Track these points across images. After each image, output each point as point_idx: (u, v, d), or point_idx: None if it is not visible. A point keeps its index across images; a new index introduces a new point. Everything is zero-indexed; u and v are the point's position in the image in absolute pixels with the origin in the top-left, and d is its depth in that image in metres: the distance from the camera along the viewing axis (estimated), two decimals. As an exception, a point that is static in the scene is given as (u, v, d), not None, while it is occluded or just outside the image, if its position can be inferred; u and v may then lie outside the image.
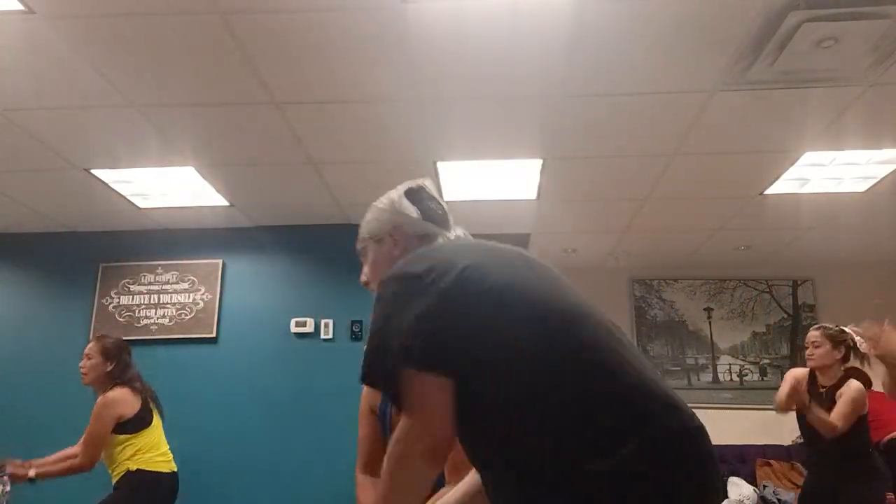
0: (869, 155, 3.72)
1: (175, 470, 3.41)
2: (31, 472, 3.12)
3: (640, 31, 2.65)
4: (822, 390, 3.39)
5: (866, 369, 3.33)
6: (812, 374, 3.44)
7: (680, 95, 3.12)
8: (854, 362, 3.35)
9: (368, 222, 1.49)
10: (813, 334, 3.39)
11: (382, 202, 1.48)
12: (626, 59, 2.84)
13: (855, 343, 3.32)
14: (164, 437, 3.42)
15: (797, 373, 3.51)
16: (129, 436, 3.21)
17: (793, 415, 3.50)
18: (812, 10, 2.48)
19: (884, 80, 2.95)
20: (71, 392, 4.49)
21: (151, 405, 3.36)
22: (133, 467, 3.19)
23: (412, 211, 1.44)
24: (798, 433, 3.80)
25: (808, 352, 3.40)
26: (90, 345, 3.32)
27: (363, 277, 1.49)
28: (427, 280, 1.15)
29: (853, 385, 3.28)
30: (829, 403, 3.30)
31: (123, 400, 3.20)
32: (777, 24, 2.57)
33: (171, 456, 3.42)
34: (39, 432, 4.29)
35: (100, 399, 3.20)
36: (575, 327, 1.11)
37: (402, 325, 1.12)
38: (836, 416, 3.22)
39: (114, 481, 3.24)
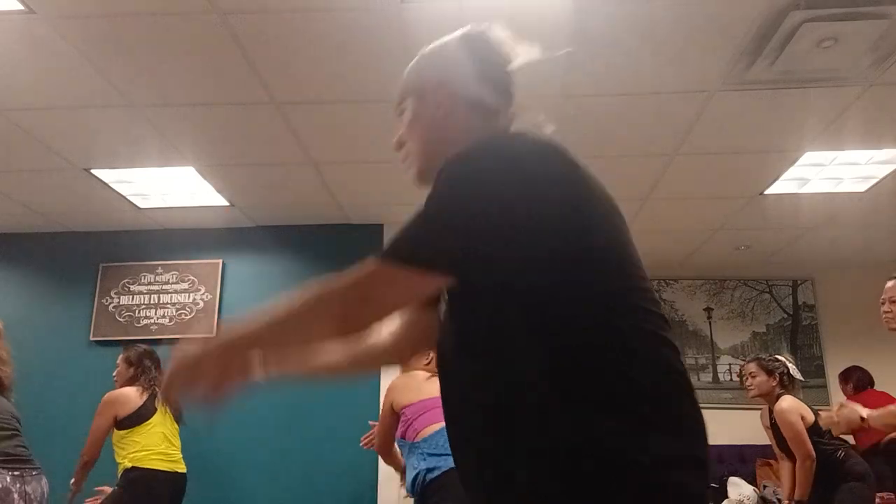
0: (869, 155, 3.73)
1: (177, 470, 3.46)
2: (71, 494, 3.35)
3: (640, 31, 2.65)
4: (773, 417, 3.52)
5: (795, 392, 3.50)
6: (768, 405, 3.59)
7: (680, 95, 3.12)
8: (790, 388, 3.50)
9: (411, 71, 1.19)
10: (749, 366, 3.57)
11: (433, 47, 1.18)
12: (626, 59, 2.84)
13: (789, 370, 3.49)
14: (168, 438, 3.49)
15: (763, 411, 3.69)
16: (126, 431, 3.36)
17: None
18: (812, 10, 2.48)
19: (884, 80, 2.95)
20: (71, 392, 4.51)
21: (159, 406, 3.47)
22: (129, 464, 3.32)
23: (466, 64, 1.13)
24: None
25: (747, 383, 3.58)
26: (119, 356, 3.65)
27: (396, 140, 1.19)
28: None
29: (780, 407, 3.40)
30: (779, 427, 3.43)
31: (122, 396, 3.41)
32: (777, 24, 2.57)
33: (176, 457, 3.49)
34: (39, 432, 4.29)
35: (102, 398, 3.43)
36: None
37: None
38: (794, 449, 3.35)
39: (117, 479, 3.37)
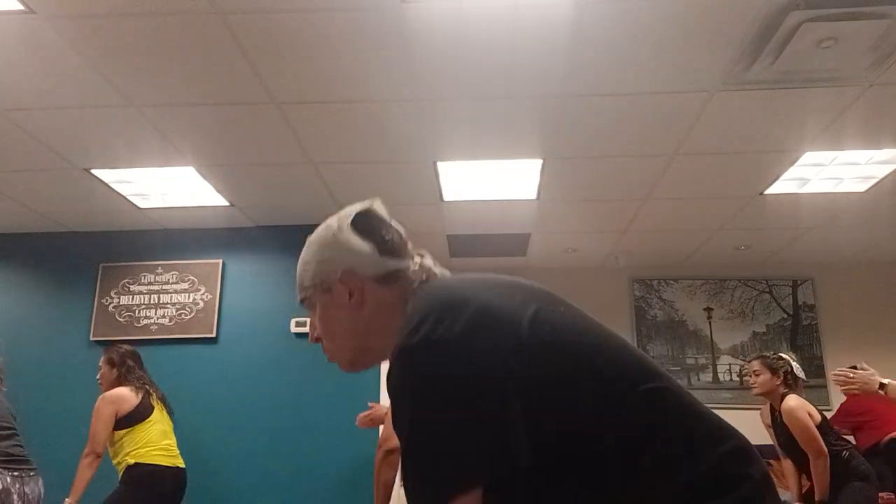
0: (869, 155, 3.73)
1: (179, 465, 3.54)
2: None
3: (640, 31, 2.65)
4: (776, 415, 3.51)
5: (798, 391, 3.47)
6: (770, 403, 3.57)
7: (680, 95, 3.12)
8: (793, 386, 3.48)
9: (308, 264, 1.12)
10: (753, 364, 3.55)
11: (322, 237, 1.12)
12: (626, 59, 2.84)
13: (792, 368, 3.46)
14: (167, 434, 3.56)
15: (763, 409, 3.69)
16: (126, 430, 3.39)
17: None
18: (812, 10, 2.48)
19: (884, 80, 2.95)
20: (71, 392, 4.51)
21: (155, 403, 3.54)
22: (132, 461, 3.35)
23: (364, 246, 1.08)
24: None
25: (750, 381, 3.56)
26: (101, 359, 3.65)
27: (313, 335, 1.15)
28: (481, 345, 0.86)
29: (788, 405, 3.38)
30: (785, 427, 3.41)
31: (119, 396, 3.44)
32: (777, 24, 2.57)
33: (175, 451, 3.55)
34: (39, 432, 4.29)
35: (99, 398, 3.45)
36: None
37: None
38: (806, 447, 3.32)
39: (119, 477, 3.40)
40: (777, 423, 3.49)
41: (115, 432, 3.39)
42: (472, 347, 0.86)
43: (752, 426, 5.49)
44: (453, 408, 0.84)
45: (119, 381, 3.51)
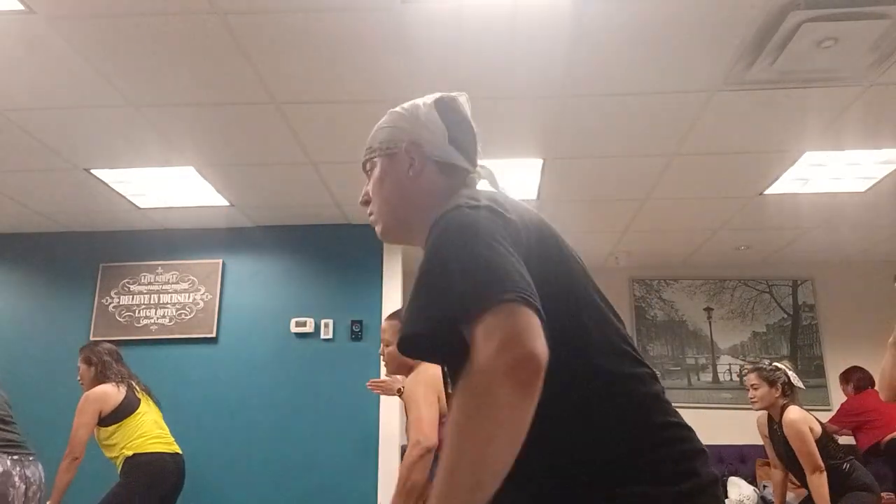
0: (869, 155, 3.73)
1: (177, 451, 3.53)
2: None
3: (640, 31, 2.65)
4: (775, 426, 3.49)
5: (796, 400, 3.45)
6: (769, 413, 3.55)
7: (680, 95, 3.12)
8: (790, 395, 3.46)
9: (381, 129, 1.20)
10: (750, 377, 3.51)
11: (405, 107, 1.19)
12: (626, 59, 2.84)
13: (789, 377, 3.44)
14: (159, 423, 3.55)
15: (760, 419, 3.65)
16: (116, 425, 3.38)
17: None
18: (812, 10, 2.48)
19: (884, 80, 2.95)
20: (71, 392, 4.50)
21: (141, 395, 3.53)
22: (129, 452, 3.35)
23: (437, 127, 1.15)
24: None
25: (749, 395, 3.52)
26: (78, 359, 3.61)
27: (363, 196, 1.22)
28: (510, 216, 0.96)
29: (790, 418, 3.35)
30: (785, 438, 3.38)
31: (102, 393, 3.41)
32: (777, 24, 2.57)
33: (170, 439, 3.55)
34: (39, 432, 4.29)
35: (81, 397, 3.44)
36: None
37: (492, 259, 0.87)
38: (804, 462, 3.29)
39: (118, 472, 3.39)
40: (776, 434, 3.48)
41: (105, 429, 3.38)
42: (505, 221, 0.95)
43: (752, 426, 5.50)
44: (491, 243, 0.89)
45: (99, 379, 3.48)
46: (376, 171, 1.19)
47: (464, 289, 0.85)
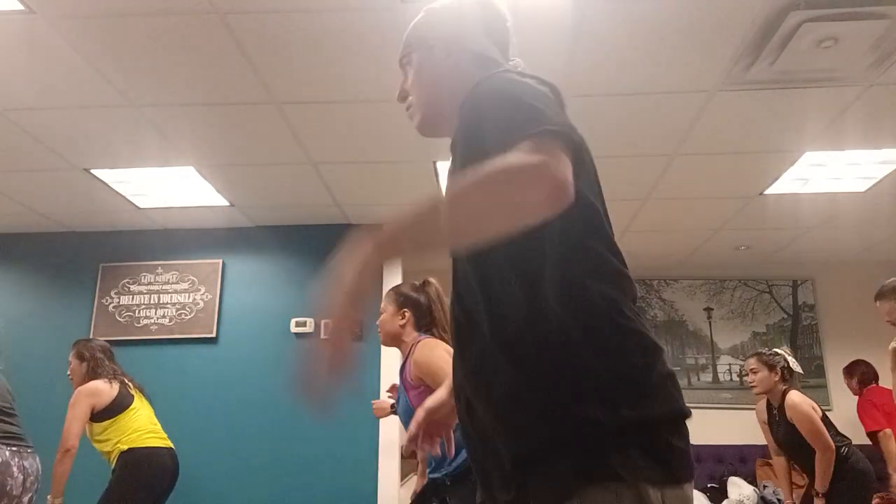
0: (869, 155, 3.73)
1: (170, 446, 3.52)
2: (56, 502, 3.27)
3: (640, 31, 2.65)
4: (774, 411, 3.52)
5: (795, 385, 3.48)
6: (768, 399, 3.58)
7: (680, 95, 3.12)
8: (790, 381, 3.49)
9: (421, 25, 1.22)
10: (749, 361, 3.56)
11: (443, 2, 1.22)
12: (626, 59, 2.84)
13: (788, 363, 3.48)
14: (153, 418, 3.56)
15: (759, 405, 3.67)
16: (110, 421, 3.38)
17: None
18: (812, 10, 2.48)
19: (884, 80, 2.95)
20: (70, 391, 4.50)
21: (134, 392, 3.54)
22: (124, 447, 3.35)
23: (477, 23, 1.19)
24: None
25: (748, 379, 3.57)
26: (70, 354, 3.62)
27: (399, 94, 1.24)
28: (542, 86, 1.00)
29: (792, 401, 3.38)
30: (785, 422, 3.41)
31: (95, 388, 3.42)
32: (777, 24, 2.57)
33: (164, 434, 3.55)
34: (39, 432, 4.28)
35: (75, 392, 3.45)
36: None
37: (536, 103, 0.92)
38: (814, 442, 3.31)
39: (112, 466, 3.38)
40: (775, 419, 3.50)
41: (98, 424, 3.38)
42: (554, 93, 1.01)
43: (752, 426, 5.50)
44: (536, 94, 0.95)
45: (89, 375, 3.48)
46: (414, 64, 1.22)
47: (510, 122, 0.90)
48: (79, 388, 3.43)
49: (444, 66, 1.18)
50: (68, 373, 3.60)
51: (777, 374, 3.46)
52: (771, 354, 3.52)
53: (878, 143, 3.57)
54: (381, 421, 4.45)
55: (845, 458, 3.32)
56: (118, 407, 3.41)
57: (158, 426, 3.56)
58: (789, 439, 3.42)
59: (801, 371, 3.52)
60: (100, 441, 3.42)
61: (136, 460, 3.33)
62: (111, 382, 3.46)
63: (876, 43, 2.68)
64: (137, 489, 3.30)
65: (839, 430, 3.45)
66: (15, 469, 2.61)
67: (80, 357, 3.55)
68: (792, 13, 2.50)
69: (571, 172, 0.84)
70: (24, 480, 2.67)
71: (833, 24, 2.54)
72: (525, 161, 0.82)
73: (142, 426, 3.43)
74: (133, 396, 3.50)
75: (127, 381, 3.56)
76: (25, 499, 2.68)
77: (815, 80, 2.97)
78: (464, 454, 2.31)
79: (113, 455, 3.37)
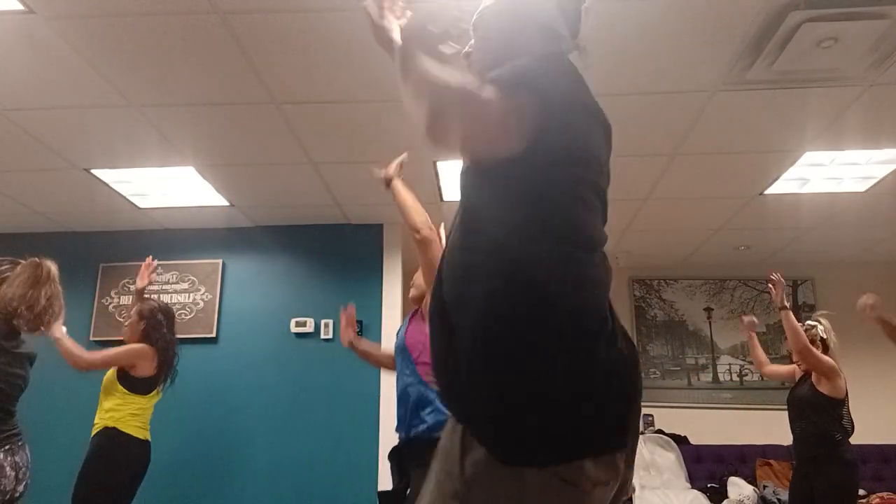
0: (869, 155, 3.72)
1: (149, 440, 3.40)
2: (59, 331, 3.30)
3: (641, 31, 2.65)
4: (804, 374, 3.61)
5: (831, 355, 3.53)
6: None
7: (680, 95, 3.12)
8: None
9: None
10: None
11: None
12: (626, 59, 2.84)
13: (820, 332, 3.58)
14: (150, 413, 3.46)
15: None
16: (126, 393, 3.30)
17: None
18: (812, 10, 2.48)
19: (884, 80, 2.95)
20: (70, 392, 4.50)
21: (160, 385, 3.44)
22: (111, 424, 3.26)
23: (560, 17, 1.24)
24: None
25: (795, 359, 3.65)
26: (133, 309, 3.53)
27: (464, 51, 1.33)
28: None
29: (829, 363, 3.48)
30: (811, 384, 3.50)
31: (145, 356, 3.33)
32: (777, 24, 2.57)
33: (148, 427, 3.43)
34: (39, 432, 4.29)
35: (130, 346, 3.36)
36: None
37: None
38: (817, 367, 3.46)
39: (92, 433, 3.30)
40: (802, 376, 3.59)
41: (119, 386, 3.30)
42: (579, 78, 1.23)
43: (752, 426, 5.52)
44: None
45: (143, 337, 3.39)
46: (482, 27, 1.26)
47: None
48: (137, 346, 3.33)
49: (511, 29, 1.24)
50: (125, 326, 3.51)
51: (818, 346, 3.51)
52: (807, 328, 3.56)
53: (878, 143, 3.57)
54: (382, 423, 4.45)
55: (836, 445, 3.36)
56: (143, 388, 3.33)
57: (148, 419, 3.46)
58: (804, 397, 3.47)
59: (836, 341, 3.54)
60: (106, 401, 3.33)
61: (111, 441, 3.23)
62: (155, 357, 3.36)
63: (876, 43, 2.68)
64: (116, 474, 3.22)
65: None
66: (7, 468, 2.63)
67: (141, 315, 3.45)
68: (792, 13, 2.50)
69: (524, 126, 0.97)
70: (17, 473, 2.68)
71: (833, 24, 2.54)
72: (471, 93, 0.98)
73: (140, 415, 3.34)
74: (157, 385, 3.41)
75: (166, 370, 3.44)
76: (20, 487, 2.70)
77: (815, 80, 2.97)
78: (424, 419, 2.44)
79: (99, 425, 3.28)
